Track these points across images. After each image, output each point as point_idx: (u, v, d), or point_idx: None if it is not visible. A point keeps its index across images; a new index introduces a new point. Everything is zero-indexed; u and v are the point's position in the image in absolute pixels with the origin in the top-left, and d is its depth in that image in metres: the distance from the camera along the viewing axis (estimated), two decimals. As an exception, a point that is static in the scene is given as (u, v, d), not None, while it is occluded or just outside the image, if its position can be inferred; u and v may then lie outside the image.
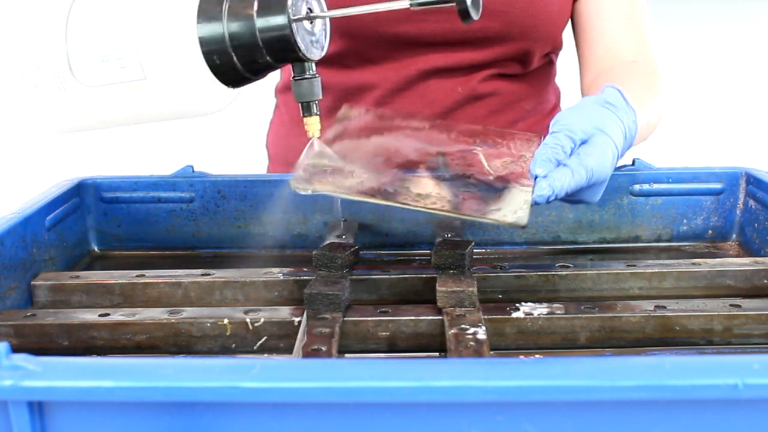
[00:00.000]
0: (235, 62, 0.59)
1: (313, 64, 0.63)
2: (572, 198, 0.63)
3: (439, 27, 0.87)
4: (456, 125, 0.72)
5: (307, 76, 0.63)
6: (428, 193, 0.61)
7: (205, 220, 0.83)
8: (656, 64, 0.88)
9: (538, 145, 0.68)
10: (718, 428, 0.44)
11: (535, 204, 0.59)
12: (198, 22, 0.58)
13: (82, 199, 0.82)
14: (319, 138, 0.66)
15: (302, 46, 0.60)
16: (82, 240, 0.82)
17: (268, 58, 0.60)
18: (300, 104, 0.64)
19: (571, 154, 0.62)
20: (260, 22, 0.58)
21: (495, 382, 0.42)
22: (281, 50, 0.60)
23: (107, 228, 0.83)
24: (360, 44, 0.89)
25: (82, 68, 0.60)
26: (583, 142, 0.62)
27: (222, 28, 0.58)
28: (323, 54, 0.64)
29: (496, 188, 0.62)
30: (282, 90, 1.01)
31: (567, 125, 0.63)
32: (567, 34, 0.95)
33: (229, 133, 1.99)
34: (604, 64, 0.89)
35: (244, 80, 0.62)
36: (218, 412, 0.44)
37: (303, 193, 0.61)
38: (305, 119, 0.65)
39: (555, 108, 1.00)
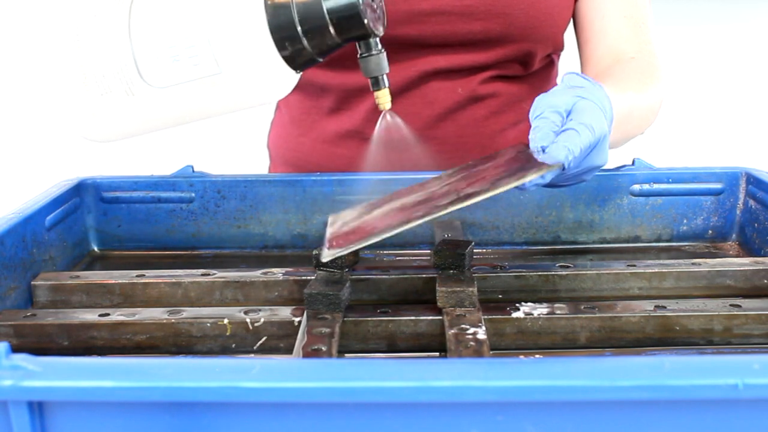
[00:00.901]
0: (304, 45, 0.60)
1: (378, 39, 0.63)
2: (585, 168, 0.63)
3: (440, 29, 0.87)
4: (439, 180, 0.71)
5: (374, 53, 0.63)
6: (457, 197, 0.60)
7: (205, 220, 0.83)
8: (655, 60, 0.87)
9: (526, 147, 0.69)
10: (718, 428, 0.44)
11: (561, 166, 0.59)
12: (266, 10, 0.59)
13: (82, 199, 0.82)
14: (390, 110, 0.67)
15: (370, 23, 0.61)
16: (82, 240, 0.82)
17: (336, 38, 0.61)
18: (369, 79, 0.65)
19: (563, 125, 0.62)
20: (328, 3, 0.59)
21: (495, 382, 0.42)
22: (350, 28, 0.60)
23: (107, 228, 0.83)
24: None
25: (151, 70, 0.60)
26: (569, 113, 0.63)
27: (291, 12, 0.59)
28: (385, 28, 0.65)
29: (511, 170, 0.62)
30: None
31: (547, 104, 0.63)
32: (568, 34, 0.95)
33: (229, 133, 1.99)
34: (604, 63, 0.89)
35: (312, 62, 0.62)
36: (218, 412, 0.44)
37: (339, 254, 0.61)
38: (375, 93, 0.65)
39: None
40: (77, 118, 0.64)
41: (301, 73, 0.65)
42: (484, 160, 0.70)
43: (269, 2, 0.59)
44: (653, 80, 0.83)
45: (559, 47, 0.95)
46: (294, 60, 0.61)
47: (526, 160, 0.63)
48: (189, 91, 0.61)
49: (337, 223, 0.68)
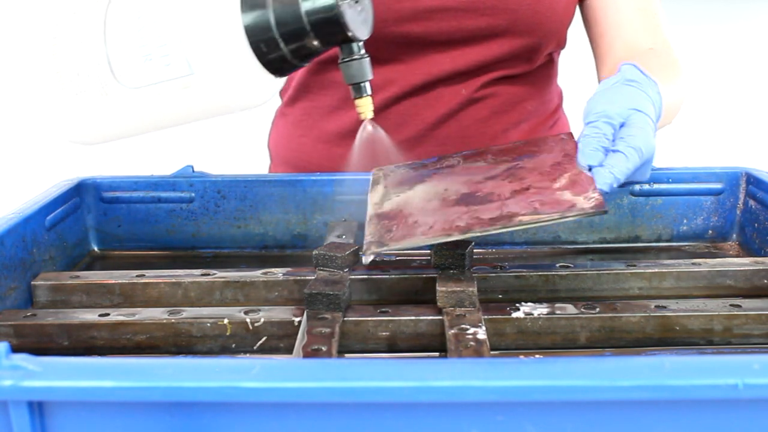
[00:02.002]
0: (282, 49, 0.58)
1: (361, 44, 0.61)
2: (626, 180, 0.63)
3: (446, 25, 0.87)
4: (487, 150, 0.72)
5: (356, 57, 0.61)
6: (499, 215, 0.60)
7: (205, 220, 0.83)
8: (673, 51, 0.88)
9: (575, 143, 0.69)
10: (718, 428, 0.44)
11: (601, 192, 0.59)
12: (243, 11, 0.57)
13: (82, 199, 0.82)
14: (372, 119, 0.65)
15: (351, 26, 0.59)
16: (82, 240, 0.82)
17: (315, 42, 0.59)
18: (350, 86, 0.63)
19: (614, 140, 0.62)
20: (306, 5, 0.57)
21: (495, 382, 0.42)
22: (330, 33, 0.59)
23: (107, 228, 0.83)
24: (366, 44, 0.89)
25: (124, 70, 0.59)
26: (622, 125, 0.63)
27: (268, 15, 0.57)
28: (370, 32, 0.63)
29: (557, 188, 0.62)
30: (284, 91, 1.01)
31: (602, 112, 0.63)
32: (570, 32, 0.95)
33: (229, 133, 1.99)
34: (621, 55, 0.89)
35: (291, 67, 0.61)
36: (218, 412, 0.44)
37: (379, 256, 0.61)
38: (356, 101, 0.64)
39: (557, 109, 1.00)
40: (55, 118, 0.63)
41: (284, 78, 0.63)
42: (528, 150, 0.70)
43: (246, 3, 0.58)
44: (677, 70, 0.83)
45: (561, 44, 0.95)
46: (272, 63, 0.59)
47: (571, 173, 0.62)
48: (163, 92, 0.59)
49: (379, 188, 0.67)
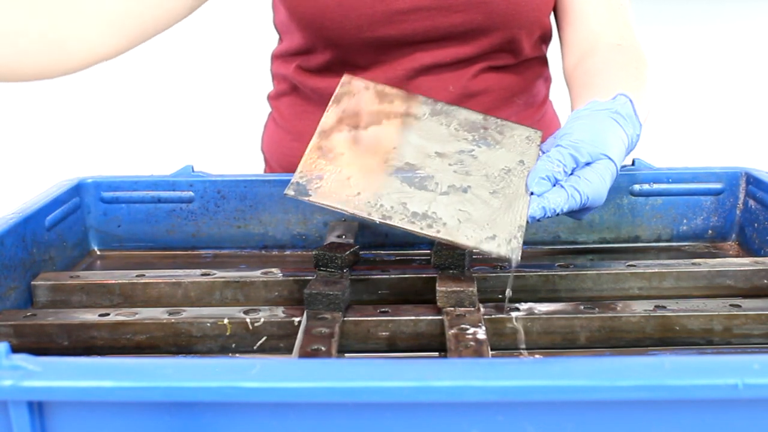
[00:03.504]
0: None
1: None
2: (561, 214, 0.64)
3: (420, 25, 0.87)
4: (457, 112, 0.71)
5: None
6: (425, 212, 0.61)
7: (205, 220, 0.83)
8: (639, 45, 0.87)
9: (538, 145, 0.69)
10: (718, 428, 0.44)
11: (528, 222, 0.61)
12: None
13: (82, 199, 0.82)
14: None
15: None
16: (82, 240, 0.82)
17: None
18: None
19: (571, 173, 0.63)
20: None
21: (495, 382, 0.42)
22: None
23: (107, 228, 0.83)
24: (346, 52, 0.89)
25: None
26: (587, 164, 0.63)
27: None
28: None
29: (492, 206, 0.63)
30: (274, 97, 1.01)
31: (575, 144, 0.63)
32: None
33: (229, 134, 1.99)
34: (585, 45, 0.88)
35: None
36: (218, 412, 0.44)
37: (299, 198, 0.61)
38: None
39: (545, 100, 1.00)
40: None
41: None
42: (493, 136, 0.69)
43: None
44: (647, 74, 0.83)
45: (547, 31, 0.94)
46: None
47: (512, 191, 0.64)
48: None
49: (337, 109, 0.67)
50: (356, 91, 0.71)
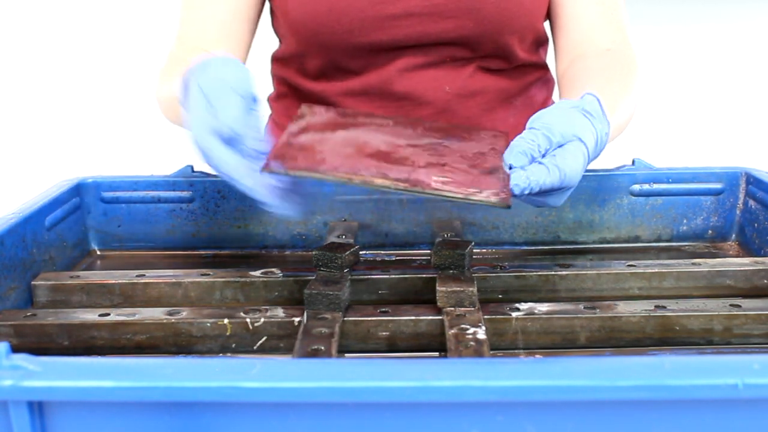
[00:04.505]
0: None
1: None
2: (539, 198, 0.63)
3: (412, 30, 0.87)
4: (421, 122, 0.71)
5: None
6: (406, 178, 0.59)
7: (205, 220, 0.83)
8: (631, 51, 0.87)
9: (506, 142, 0.69)
10: (718, 428, 0.44)
11: (511, 193, 0.59)
12: None
13: (82, 199, 0.82)
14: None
15: None
16: (82, 240, 0.82)
17: None
18: None
19: (545, 155, 0.62)
20: None
21: (495, 382, 0.42)
22: None
23: (107, 228, 0.83)
24: (337, 56, 0.89)
25: None
26: (559, 146, 0.63)
27: None
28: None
29: (473, 174, 0.61)
30: (274, 99, 1.01)
31: (547, 125, 0.63)
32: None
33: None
34: (578, 50, 0.89)
35: None
36: (218, 412, 0.44)
37: (276, 173, 0.58)
38: None
39: (545, 102, 1.00)
40: None
41: None
42: (460, 134, 0.70)
43: None
44: (633, 80, 0.83)
45: (541, 37, 0.94)
46: None
47: (491, 165, 0.62)
48: None
49: (302, 122, 0.66)
50: (317, 112, 0.71)
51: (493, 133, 0.72)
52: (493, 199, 0.57)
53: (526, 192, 0.60)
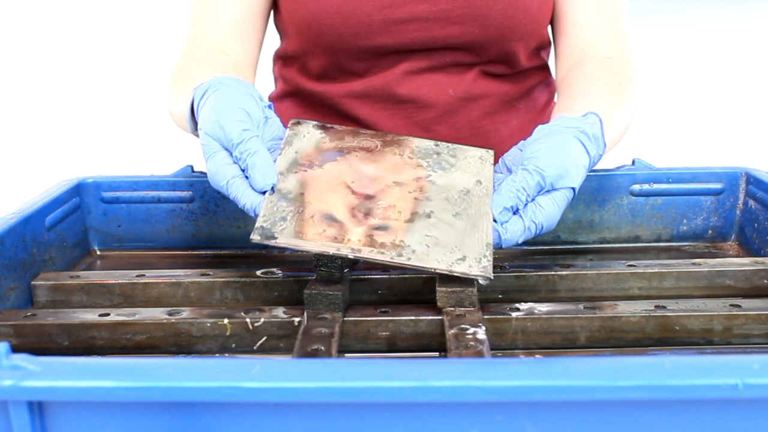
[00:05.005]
0: None
1: None
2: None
3: (418, 35, 0.87)
4: (408, 141, 0.72)
5: None
6: (393, 242, 0.62)
7: (205, 220, 0.83)
8: (630, 61, 0.88)
9: (491, 164, 0.70)
10: (718, 428, 0.44)
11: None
12: None
13: (82, 199, 0.82)
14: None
15: None
16: (82, 240, 0.82)
17: None
18: None
19: (533, 199, 0.65)
20: None
21: (495, 382, 0.42)
22: None
23: (107, 228, 0.83)
24: (341, 58, 0.89)
25: None
26: (548, 192, 0.65)
27: None
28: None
29: (457, 228, 0.64)
30: (276, 98, 1.01)
31: (541, 171, 0.64)
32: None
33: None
34: (577, 56, 0.89)
35: None
36: (218, 412, 0.44)
37: (266, 244, 0.62)
38: None
39: (548, 104, 1.00)
40: None
41: None
42: (445, 159, 0.71)
43: None
44: (631, 89, 0.83)
45: (544, 42, 0.94)
46: None
47: (475, 212, 0.65)
48: None
49: (289, 152, 0.69)
50: (306, 132, 0.71)
51: (479, 154, 0.72)
52: (475, 272, 0.61)
53: (503, 246, 0.64)
